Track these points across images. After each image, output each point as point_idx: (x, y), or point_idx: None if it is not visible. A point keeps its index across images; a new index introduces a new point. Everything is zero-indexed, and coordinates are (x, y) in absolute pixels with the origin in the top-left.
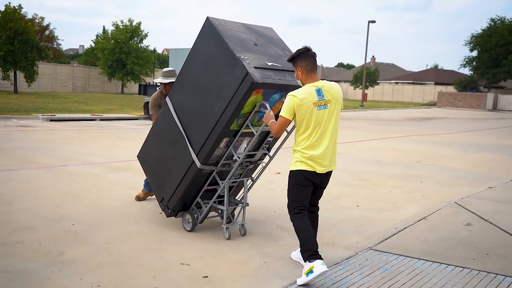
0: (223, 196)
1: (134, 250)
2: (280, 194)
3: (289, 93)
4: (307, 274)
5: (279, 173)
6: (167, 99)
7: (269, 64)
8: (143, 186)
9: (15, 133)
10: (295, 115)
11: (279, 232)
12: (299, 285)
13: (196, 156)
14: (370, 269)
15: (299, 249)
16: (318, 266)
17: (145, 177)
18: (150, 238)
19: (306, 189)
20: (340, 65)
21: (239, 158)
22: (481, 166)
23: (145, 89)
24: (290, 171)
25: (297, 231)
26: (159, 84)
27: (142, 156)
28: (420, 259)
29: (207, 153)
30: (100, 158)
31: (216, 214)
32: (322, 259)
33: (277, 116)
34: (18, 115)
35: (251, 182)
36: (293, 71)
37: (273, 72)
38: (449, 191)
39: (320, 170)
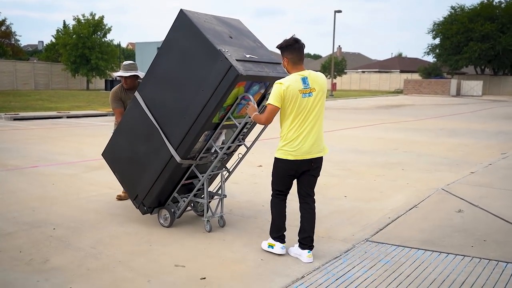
0: (199, 189)
1: (123, 254)
2: (265, 187)
3: (276, 82)
4: (269, 246)
5: (261, 166)
6: (137, 94)
7: (247, 56)
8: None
9: None
10: (281, 102)
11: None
12: (261, 247)
13: (175, 150)
14: (371, 262)
15: (297, 244)
16: (277, 248)
17: None
18: (138, 240)
19: (287, 178)
20: (307, 55)
21: (220, 150)
22: (455, 151)
23: (111, 84)
24: (275, 158)
25: (272, 213)
26: (120, 78)
27: (109, 154)
28: (419, 248)
29: (188, 147)
30: (72, 157)
31: (189, 208)
32: (285, 242)
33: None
34: None
35: (227, 173)
36: (270, 63)
37: (252, 64)
38: (431, 177)
39: (303, 157)
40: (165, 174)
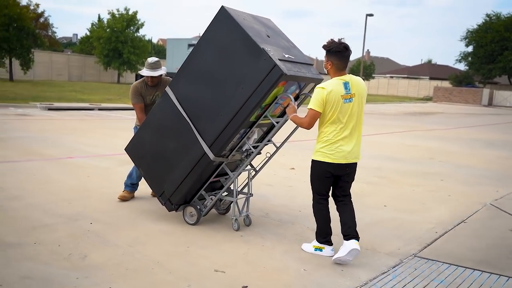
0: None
1: (160, 254)
2: (300, 191)
3: (317, 86)
4: (316, 249)
5: (293, 168)
6: (168, 89)
7: (286, 56)
8: (124, 186)
9: (14, 122)
10: (323, 107)
11: (311, 235)
12: (302, 249)
13: (209, 147)
14: (423, 281)
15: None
16: (327, 250)
17: (126, 178)
18: (175, 240)
19: (326, 180)
20: None
21: (254, 149)
22: (495, 164)
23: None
24: (312, 160)
25: (316, 218)
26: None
27: (133, 150)
28: (475, 269)
29: (223, 145)
30: (105, 150)
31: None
32: (332, 244)
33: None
34: (16, 103)
35: (254, 172)
36: (305, 63)
37: (291, 64)
38: (473, 190)
39: (341, 161)
40: (196, 171)
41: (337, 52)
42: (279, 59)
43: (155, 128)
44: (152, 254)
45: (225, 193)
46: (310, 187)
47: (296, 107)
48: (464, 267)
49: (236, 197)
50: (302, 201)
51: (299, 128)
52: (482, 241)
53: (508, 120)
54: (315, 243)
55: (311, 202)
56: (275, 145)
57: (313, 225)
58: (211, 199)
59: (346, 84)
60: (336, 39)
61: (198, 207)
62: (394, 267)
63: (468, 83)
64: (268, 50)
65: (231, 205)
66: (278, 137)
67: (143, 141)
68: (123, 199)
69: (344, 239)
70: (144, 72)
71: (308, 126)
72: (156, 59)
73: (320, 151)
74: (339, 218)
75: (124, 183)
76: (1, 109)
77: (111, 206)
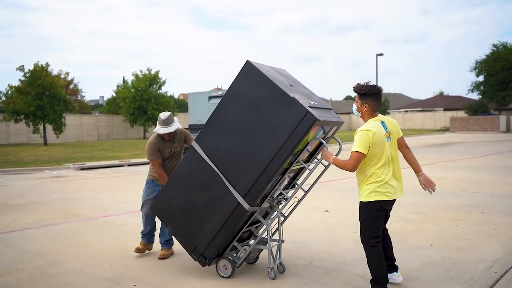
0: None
1: None
2: (340, 235)
3: (360, 129)
4: None
5: (327, 211)
6: (195, 144)
7: (311, 103)
8: (141, 238)
9: (50, 185)
10: (368, 148)
11: (363, 283)
12: None
13: (243, 198)
14: None
15: None
16: None
17: (142, 228)
18: None
19: (381, 219)
20: (348, 97)
21: (288, 196)
22: None
23: None
24: (363, 202)
25: (371, 263)
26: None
27: (160, 207)
28: None
29: (258, 193)
30: (139, 205)
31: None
32: None
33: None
34: (50, 166)
35: (283, 218)
36: (326, 108)
37: (317, 110)
38: None
39: (393, 196)
40: (230, 223)
41: (374, 94)
42: (309, 106)
43: (183, 184)
44: None
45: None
46: (361, 233)
47: (330, 151)
48: None
49: (270, 245)
50: (345, 246)
51: (327, 170)
52: None
53: None
54: None
55: (354, 246)
56: (303, 189)
57: (363, 272)
58: (245, 249)
59: (383, 124)
60: (362, 83)
61: (231, 258)
62: None
63: (483, 111)
64: (298, 98)
65: (269, 253)
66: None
67: (170, 197)
68: (137, 251)
69: (388, 272)
70: (161, 130)
71: (353, 169)
72: (168, 113)
73: (375, 191)
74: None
75: (142, 232)
76: (37, 173)
77: (152, 264)
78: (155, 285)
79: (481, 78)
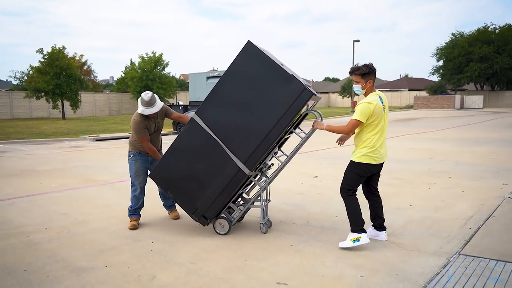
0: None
1: (222, 270)
2: (330, 197)
3: (362, 101)
4: (354, 241)
5: (316, 176)
6: (196, 117)
7: (302, 80)
8: (130, 215)
9: (70, 154)
10: (367, 118)
11: None
12: (341, 247)
13: (244, 164)
14: (480, 281)
15: (370, 228)
16: (364, 238)
17: (131, 204)
18: (232, 254)
19: (362, 179)
20: (327, 79)
21: (281, 161)
22: (487, 159)
23: None
24: (354, 162)
25: (351, 211)
26: (181, 104)
27: (160, 174)
28: None
29: (257, 159)
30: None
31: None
32: (366, 231)
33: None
34: (69, 137)
35: (269, 180)
36: (310, 86)
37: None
38: (482, 185)
39: (381, 160)
40: (231, 186)
41: (374, 71)
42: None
43: (183, 153)
44: (214, 271)
45: (242, 202)
46: (342, 185)
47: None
48: (511, 262)
49: (264, 203)
50: (336, 207)
51: (305, 142)
52: None
53: (481, 120)
54: (352, 235)
55: (344, 207)
56: (286, 155)
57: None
58: (240, 209)
59: (380, 98)
60: (356, 65)
61: (227, 217)
62: (444, 266)
63: (442, 91)
64: (296, 75)
65: (261, 211)
66: (285, 148)
67: (170, 166)
68: (133, 227)
69: (376, 229)
70: (146, 111)
71: (349, 132)
72: (150, 93)
73: (366, 155)
74: (370, 210)
75: (134, 207)
76: (58, 143)
77: (166, 224)
78: (170, 242)
79: (440, 62)
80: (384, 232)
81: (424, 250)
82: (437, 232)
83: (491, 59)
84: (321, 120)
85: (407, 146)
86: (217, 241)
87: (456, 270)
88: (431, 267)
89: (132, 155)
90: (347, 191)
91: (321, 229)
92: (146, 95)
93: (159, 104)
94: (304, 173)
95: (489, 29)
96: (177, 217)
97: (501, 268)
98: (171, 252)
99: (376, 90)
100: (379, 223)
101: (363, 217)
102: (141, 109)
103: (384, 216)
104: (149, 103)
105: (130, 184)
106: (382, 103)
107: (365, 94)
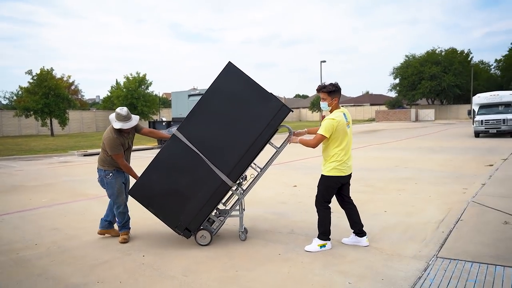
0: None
1: (214, 281)
2: (310, 206)
3: (327, 117)
4: (321, 246)
5: (295, 186)
6: (177, 133)
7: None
8: (105, 227)
9: (59, 169)
10: (331, 133)
11: (340, 246)
12: (308, 251)
13: (227, 176)
14: (460, 283)
15: (351, 235)
16: (329, 244)
17: (119, 220)
18: (222, 265)
19: (334, 190)
20: (297, 95)
21: (260, 171)
22: (447, 166)
23: (153, 125)
24: (325, 176)
25: (323, 221)
26: (164, 121)
27: (139, 191)
28: (497, 265)
29: (240, 172)
30: None
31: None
32: (330, 240)
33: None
34: (58, 153)
35: (246, 191)
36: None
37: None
38: (446, 190)
39: (348, 172)
40: (214, 198)
41: (339, 89)
42: None
43: (165, 169)
44: (207, 282)
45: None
46: (317, 198)
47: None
48: (485, 263)
49: (241, 213)
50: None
51: (279, 154)
52: (486, 236)
53: (435, 131)
54: (319, 241)
55: None
56: (259, 167)
57: (336, 237)
58: (220, 220)
59: (344, 115)
60: (323, 84)
61: (209, 229)
62: (425, 270)
63: (399, 106)
64: (273, 94)
65: (240, 220)
66: (259, 161)
67: (151, 182)
68: (124, 241)
69: (356, 235)
70: (125, 126)
71: (314, 146)
72: (126, 108)
73: (336, 168)
74: (348, 218)
75: (122, 222)
76: (47, 159)
77: (156, 237)
78: (161, 254)
79: (397, 80)
80: (365, 238)
81: (404, 254)
82: (413, 236)
83: (439, 77)
84: (291, 134)
85: (374, 155)
86: (206, 252)
87: (436, 273)
88: (413, 271)
89: (111, 174)
90: (323, 203)
91: (305, 236)
92: (122, 110)
93: (135, 118)
94: (284, 183)
95: (436, 51)
96: (125, 240)
97: (477, 269)
98: (163, 265)
99: (341, 107)
100: (358, 229)
101: (344, 226)
102: (119, 125)
103: (362, 222)
104: (127, 117)
105: (111, 203)
106: (346, 119)
107: (331, 111)
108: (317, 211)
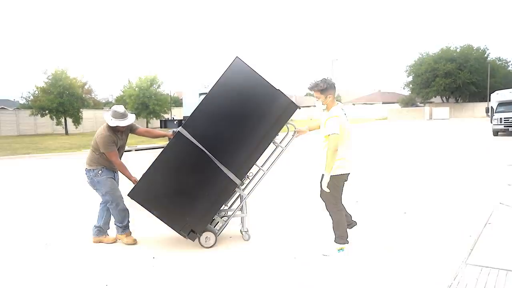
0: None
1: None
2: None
3: (331, 115)
4: (339, 250)
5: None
6: (183, 131)
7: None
8: (97, 234)
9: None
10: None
11: (359, 250)
12: (325, 255)
13: (235, 175)
14: None
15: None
16: (347, 248)
17: (120, 220)
18: (231, 268)
19: (342, 188)
20: (308, 94)
21: (263, 168)
22: (467, 166)
23: (165, 123)
24: (332, 176)
25: (337, 224)
26: (176, 119)
27: (141, 194)
28: None
29: (247, 170)
30: None
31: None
32: (348, 242)
33: None
34: (72, 151)
35: (251, 190)
36: None
37: None
38: (471, 191)
39: (350, 169)
40: (222, 197)
41: (332, 84)
42: None
43: (170, 169)
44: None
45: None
46: (329, 201)
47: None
48: None
49: (245, 213)
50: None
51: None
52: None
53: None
54: (337, 246)
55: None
56: (259, 167)
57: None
58: (224, 220)
59: (343, 110)
60: (314, 81)
61: (213, 230)
62: (455, 278)
63: (412, 104)
64: (280, 90)
65: (244, 220)
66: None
67: (154, 183)
68: (135, 242)
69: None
70: (121, 123)
71: (336, 148)
72: (122, 106)
73: (339, 166)
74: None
75: (123, 223)
76: (64, 157)
77: (163, 236)
78: (171, 256)
79: (410, 78)
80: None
81: (432, 260)
82: (439, 240)
83: (454, 74)
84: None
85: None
86: (209, 254)
87: (468, 283)
88: (444, 280)
89: (101, 171)
90: (334, 205)
91: (317, 239)
92: (120, 107)
93: (131, 116)
94: (289, 182)
95: (451, 48)
96: (134, 243)
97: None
98: (173, 267)
99: (338, 102)
100: (348, 222)
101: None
102: (115, 122)
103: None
104: (124, 115)
105: (106, 203)
106: (345, 114)
107: (327, 108)
108: (330, 215)
